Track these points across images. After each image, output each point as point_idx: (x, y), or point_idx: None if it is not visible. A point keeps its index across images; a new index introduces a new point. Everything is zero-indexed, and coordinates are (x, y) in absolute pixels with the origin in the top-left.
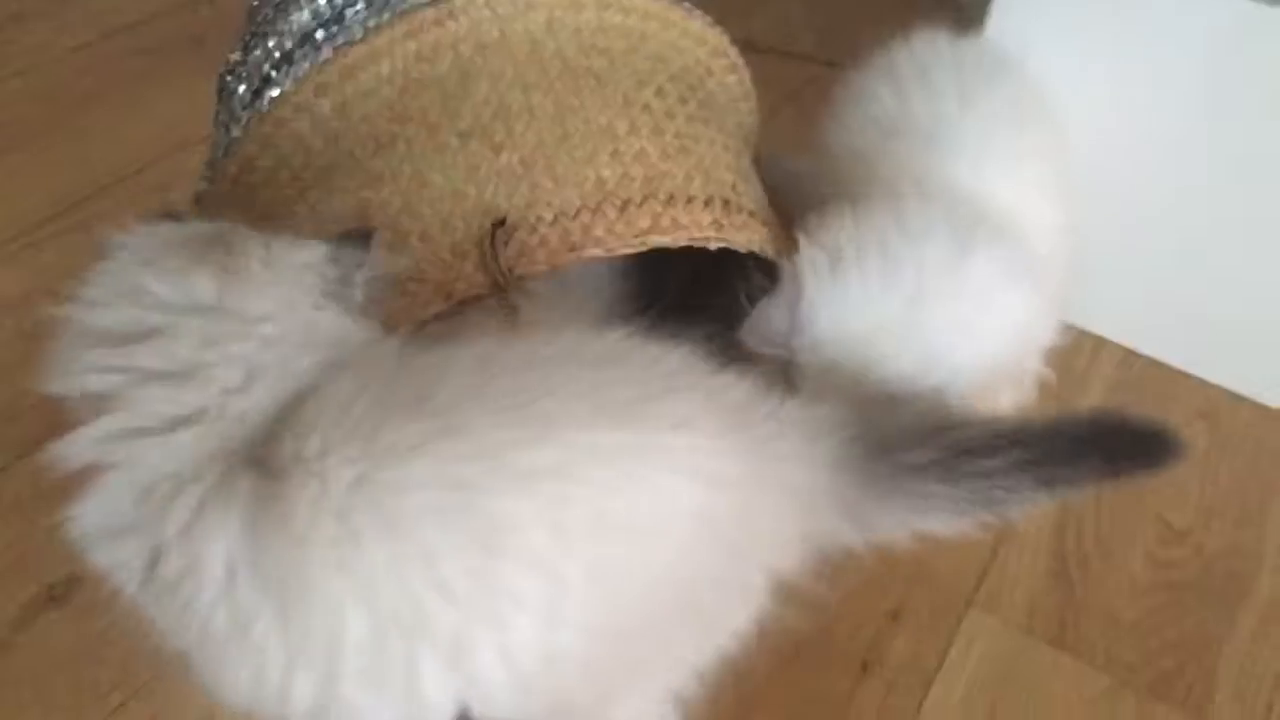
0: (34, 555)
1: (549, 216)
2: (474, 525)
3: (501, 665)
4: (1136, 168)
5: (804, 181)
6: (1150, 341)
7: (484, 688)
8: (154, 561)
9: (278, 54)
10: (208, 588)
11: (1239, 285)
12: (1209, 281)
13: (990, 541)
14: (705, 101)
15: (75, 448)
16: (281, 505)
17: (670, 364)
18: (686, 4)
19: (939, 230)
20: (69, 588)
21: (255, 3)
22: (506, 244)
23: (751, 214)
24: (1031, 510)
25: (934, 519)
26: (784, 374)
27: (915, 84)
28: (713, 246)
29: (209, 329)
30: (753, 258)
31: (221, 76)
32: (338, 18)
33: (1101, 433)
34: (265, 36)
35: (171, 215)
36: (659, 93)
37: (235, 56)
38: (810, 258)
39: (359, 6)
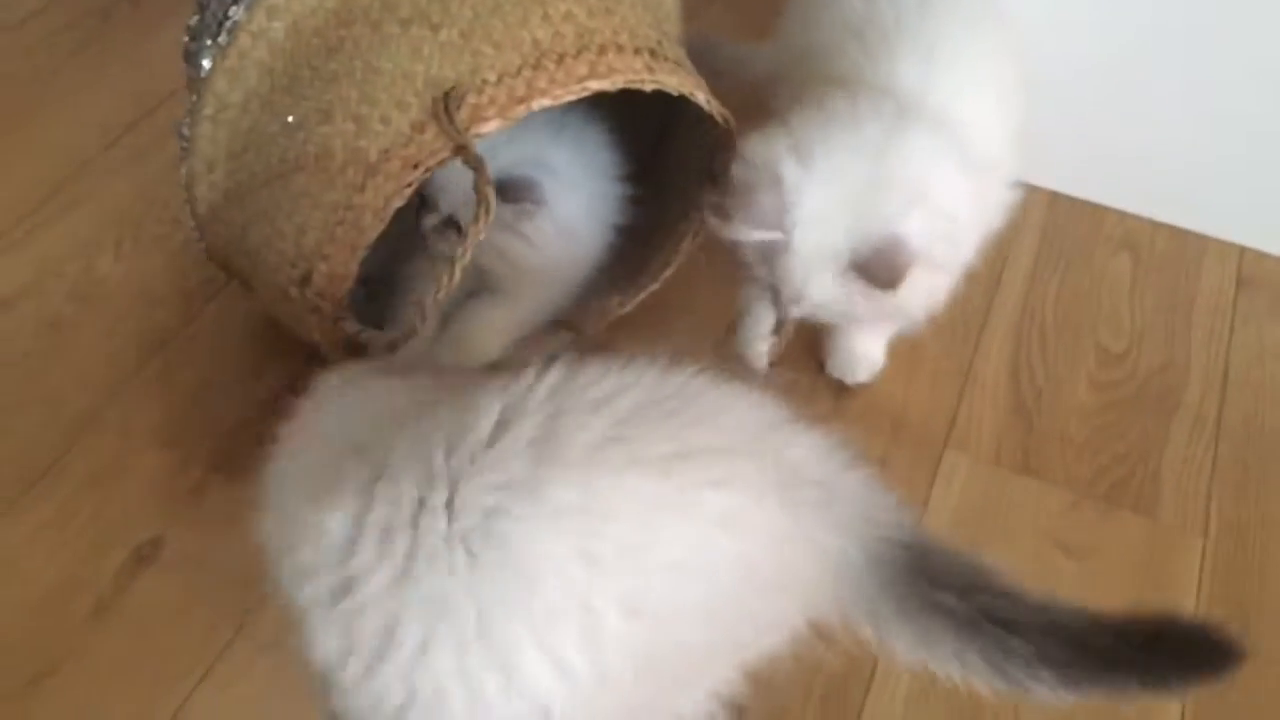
0: (115, 523)
1: (493, 78)
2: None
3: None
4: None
5: (745, 66)
6: (1072, 182)
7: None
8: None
9: None
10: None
11: (1151, 118)
12: (1123, 116)
13: (956, 388)
14: None
15: None
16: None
17: (734, 417)
18: None
19: (886, 114)
20: (155, 547)
21: None
22: (459, 109)
23: (678, 64)
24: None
25: (940, 663)
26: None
27: None
28: (647, 88)
29: None
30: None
31: (186, 45)
32: None
33: (1149, 638)
34: None
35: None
36: None
37: (193, 21)
38: (789, 145)
39: None
